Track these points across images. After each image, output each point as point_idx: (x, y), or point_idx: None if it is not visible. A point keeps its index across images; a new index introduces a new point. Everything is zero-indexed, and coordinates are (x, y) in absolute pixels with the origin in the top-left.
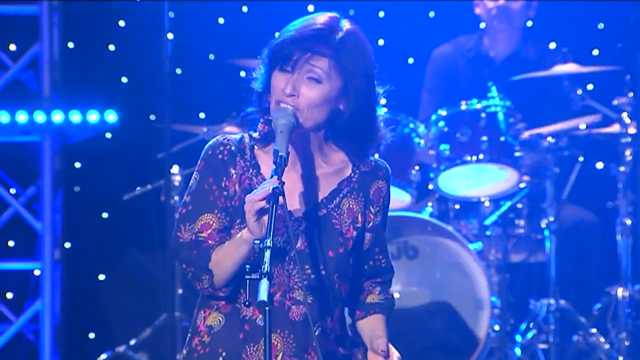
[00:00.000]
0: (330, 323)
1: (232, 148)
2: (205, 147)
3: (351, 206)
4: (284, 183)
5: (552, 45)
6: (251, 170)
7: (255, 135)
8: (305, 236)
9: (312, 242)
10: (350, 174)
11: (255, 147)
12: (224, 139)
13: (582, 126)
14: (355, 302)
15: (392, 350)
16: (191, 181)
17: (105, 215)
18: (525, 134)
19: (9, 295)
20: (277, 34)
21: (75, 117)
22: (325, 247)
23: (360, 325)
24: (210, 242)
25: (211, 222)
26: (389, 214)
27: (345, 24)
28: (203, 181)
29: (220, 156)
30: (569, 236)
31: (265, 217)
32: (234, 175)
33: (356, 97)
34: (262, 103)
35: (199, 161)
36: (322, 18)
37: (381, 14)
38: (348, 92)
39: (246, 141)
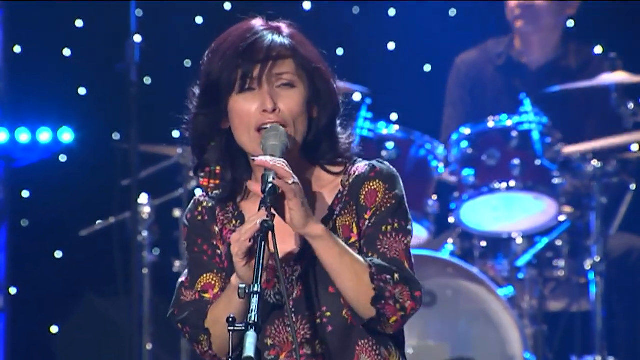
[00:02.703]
0: None
1: (210, 204)
2: (185, 212)
3: (345, 222)
4: (274, 215)
5: (598, 50)
6: (234, 222)
7: (215, 194)
8: (302, 280)
9: (309, 284)
10: (340, 189)
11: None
12: (200, 196)
13: (635, 147)
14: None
15: None
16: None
17: (58, 254)
18: (564, 151)
19: None
20: (205, 61)
21: (23, 136)
22: (324, 284)
23: None
24: (213, 301)
25: (213, 282)
26: None
27: (278, 22)
28: (192, 245)
29: (199, 217)
30: (617, 269)
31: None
32: (217, 233)
33: (328, 94)
34: (203, 150)
35: (182, 228)
36: (256, 23)
37: (392, 12)
38: (318, 92)
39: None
